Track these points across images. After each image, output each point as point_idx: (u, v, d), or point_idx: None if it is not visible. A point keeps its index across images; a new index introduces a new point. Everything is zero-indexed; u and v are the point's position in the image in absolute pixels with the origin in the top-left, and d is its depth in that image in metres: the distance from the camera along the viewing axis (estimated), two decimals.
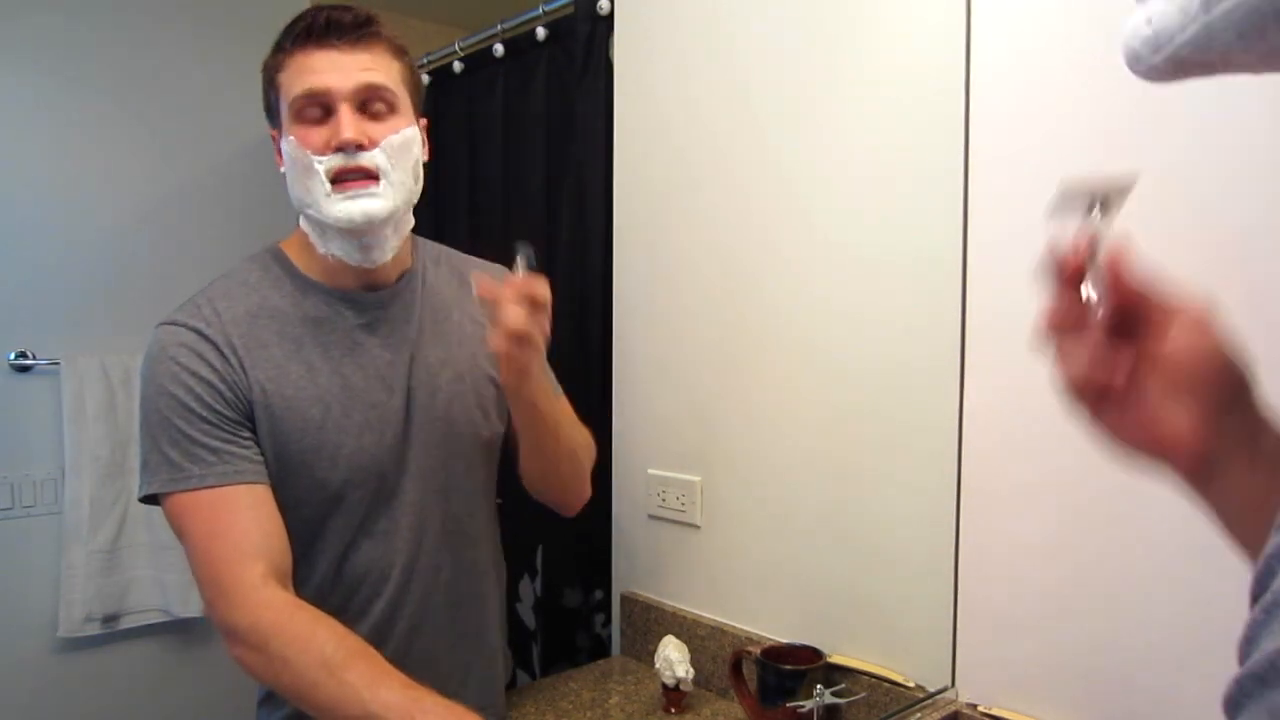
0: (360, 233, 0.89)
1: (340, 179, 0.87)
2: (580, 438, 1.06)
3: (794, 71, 1.16)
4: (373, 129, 0.89)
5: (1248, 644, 0.28)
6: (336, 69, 0.88)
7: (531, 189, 1.56)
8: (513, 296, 0.82)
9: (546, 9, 1.49)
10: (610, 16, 1.40)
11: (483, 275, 1.00)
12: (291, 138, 0.88)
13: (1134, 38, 0.33)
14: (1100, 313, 0.44)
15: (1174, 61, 0.32)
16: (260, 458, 0.90)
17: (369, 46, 0.90)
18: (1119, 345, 0.45)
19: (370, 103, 0.89)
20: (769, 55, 1.19)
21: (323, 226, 0.91)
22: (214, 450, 0.87)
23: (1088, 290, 0.45)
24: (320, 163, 0.87)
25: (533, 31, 1.53)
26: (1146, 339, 0.44)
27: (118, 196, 1.85)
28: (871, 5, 1.12)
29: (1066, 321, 0.45)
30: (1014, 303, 0.98)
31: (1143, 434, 0.44)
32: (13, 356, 1.75)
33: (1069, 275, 0.45)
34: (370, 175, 0.88)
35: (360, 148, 0.87)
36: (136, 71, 1.86)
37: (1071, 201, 0.46)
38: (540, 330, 0.85)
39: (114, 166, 1.85)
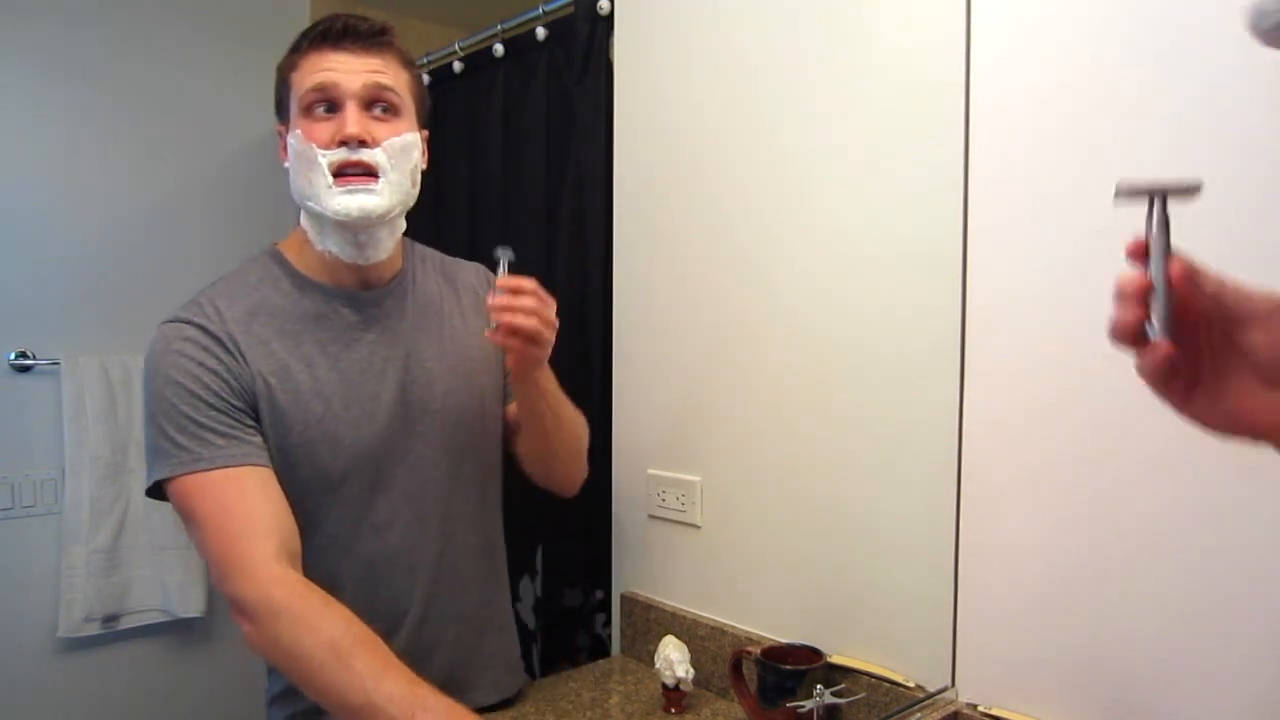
0: (356, 228, 0.93)
1: (342, 173, 0.91)
2: (577, 415, 1.10)
3: (794, 70, 1.16)
4: (376, 128, 0.93)
5: None
6: (347, 69, 0.92)
7: (531, 189, 1.56)
8: (521, 301, 0.89)
9: (546, 9, 1.49)
10: (610, 16, 1.40)
11: (476, 276, 1.12)
12: (299, 131, 0.93)
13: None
14: (1168, 327, 0.45)
15: None
16: (265, 445, 0.93)
17: (380, 52, 0.95)
18: (1200, 339, 0.46)
19: (376, 104, 0.94)
20: (769, 54, 1.19)
21: (321, 221, 0.94)
22: (222, 434, 0.89)
23: (1151, 322, 0.45)
24: (324, 156, 0.91)
25: (533, 31, 1.53)
26: (1230, 333, 0.46)
27: (118, 197, 1.85)
28: (871, 0, 1.12)
29: (1134, 336, 0.46)
30: (1014, 302, 0.99)
31: (1239, 423, 0.47)
32: (13, 356, 1.75)
33: (1133, 294, 0.45)
34: (370, 172, 0.92)
35: (363, 144, 0.91)
36: (136, 72, 1.86)
37: (1130, 199, 0.46)
38: (549, 322, 0.92)
39: (114, 166, 1.85)
